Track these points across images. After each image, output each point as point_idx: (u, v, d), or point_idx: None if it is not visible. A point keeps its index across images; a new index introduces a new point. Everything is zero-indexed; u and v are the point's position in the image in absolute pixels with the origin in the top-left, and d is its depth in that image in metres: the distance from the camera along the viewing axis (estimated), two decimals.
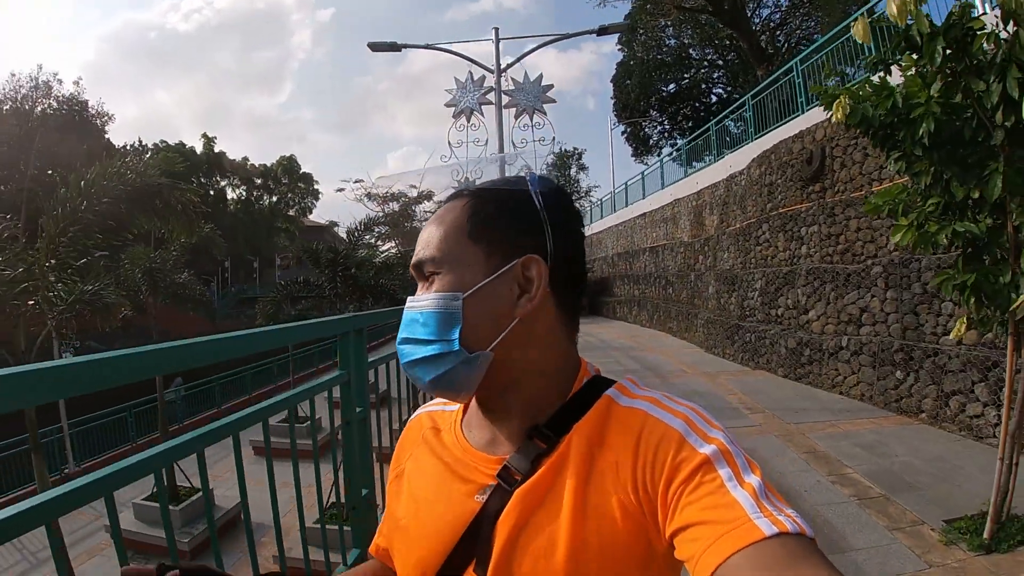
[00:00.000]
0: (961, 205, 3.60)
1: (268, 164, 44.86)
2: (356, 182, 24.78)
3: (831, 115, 3.91)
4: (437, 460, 0.80)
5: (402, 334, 0.75)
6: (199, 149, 38.16)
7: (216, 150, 38.73)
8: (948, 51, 3.38)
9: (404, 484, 0.84)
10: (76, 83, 35.58)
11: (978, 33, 3.33)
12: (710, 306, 13.34)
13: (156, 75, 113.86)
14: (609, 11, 30.71)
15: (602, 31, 11.39)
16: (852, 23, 3.82)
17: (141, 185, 8.20)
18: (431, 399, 0.92)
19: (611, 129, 34.64)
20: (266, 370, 19.02)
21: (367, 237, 16.10)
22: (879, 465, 5.16)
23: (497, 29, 11.04)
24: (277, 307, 12.08)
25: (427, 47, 11.37)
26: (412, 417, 0.94)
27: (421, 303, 0.73)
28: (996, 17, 3.49)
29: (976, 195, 3.47)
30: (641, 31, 27.23)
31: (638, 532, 0.63)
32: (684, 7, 23.04)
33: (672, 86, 30.50)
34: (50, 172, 30.54)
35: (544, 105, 11.02)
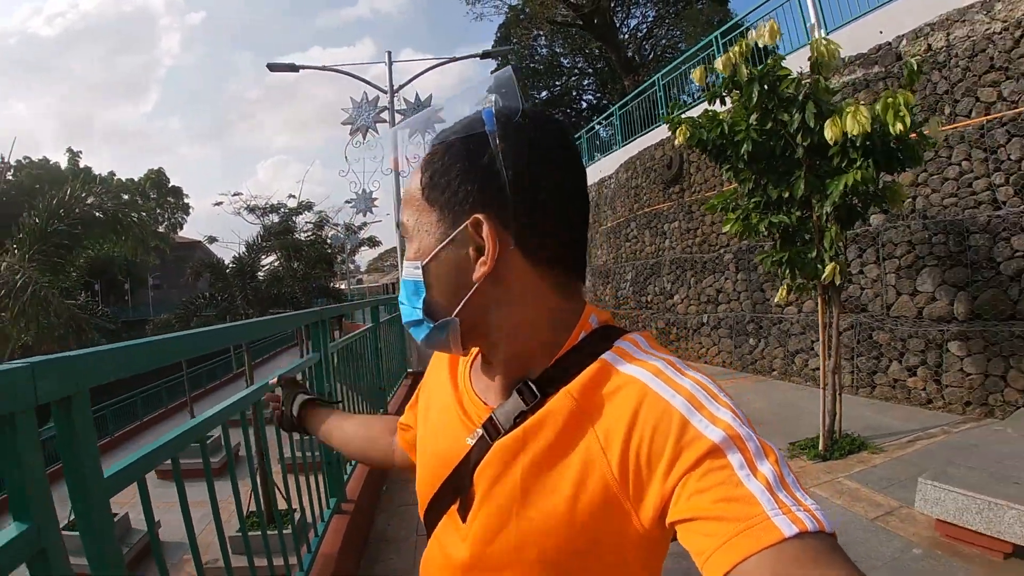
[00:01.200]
0: (776, 203, 4.82)
1: (135, 178, 42.63)
2: (235, 195, 24.28)
3: (675, 138, 5.07)
4: (447, 396, 0.80)
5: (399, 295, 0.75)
6: (64, 164, 35.76)
7: (82, 164, 36.26)
8: (763, 90, 4.56)
9: (420, 414, 0.89)
10: None
11: (784, 79, 4.53)
12: (588, 298, 14.61)
13: (15, 84, 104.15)
14: (482, 27, 31.96)
15: (485, 55, 12.41)
16: (693, 69, 5.01)
17: (97, 207, 8.36)
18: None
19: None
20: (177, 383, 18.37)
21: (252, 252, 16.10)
22: None
23: (390, 53, 11.75)
24: (185, 323, 11.98)
25: (324, 68, 11.81)
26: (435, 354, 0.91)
27: (404, 266, 0.73)
28: (800, 68, 4.75)
29: (787, 195, 4.69)
30: (515, 40, 28.61)
31: (614, 510, 0.61)
32: (556, 21, 24.61)
33: (544, 93, 32.09)
34: None
35: (434, 124, 11.86)
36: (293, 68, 11.69)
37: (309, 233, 24.57)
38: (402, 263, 0.75)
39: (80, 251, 8.27)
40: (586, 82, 32.06)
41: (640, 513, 0.59)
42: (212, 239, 25.14)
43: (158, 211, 42.80)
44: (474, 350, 0.81)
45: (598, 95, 30.88)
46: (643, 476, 0.58)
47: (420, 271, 0.69)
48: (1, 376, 0.74)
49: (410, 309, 0.72)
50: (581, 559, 0.63)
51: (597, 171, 15.05)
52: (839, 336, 4.98)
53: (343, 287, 29.40)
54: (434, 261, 0.68)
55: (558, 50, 31.09)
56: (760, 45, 4.59)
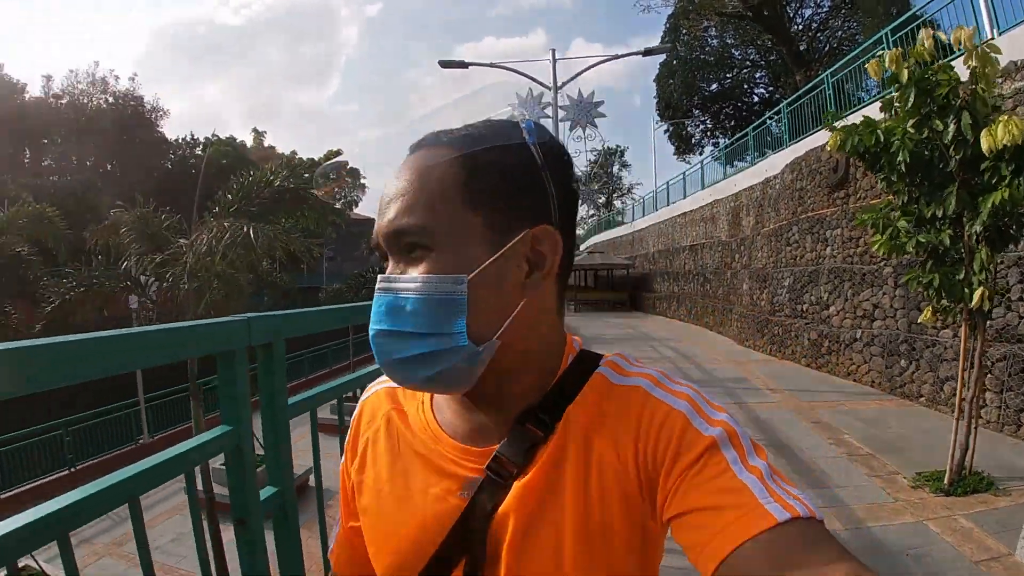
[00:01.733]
0: (928, 219, 4.54)
1: (316, 158, 45.87)
2: None
3: (828, 144, 4.90)
4: (407, 447, 0.71)
5: (378, 324, 0.62)
6: (249, 143, 39.69)
7: (266, 144, 40.52)
8: (919, 95, 4.30)
9: (367, 474, 0.74)
10: (131, 79, 37.44)
11: (940, 83, 4.27)
12: (744, 302, 14.17)
13: (206, 69, 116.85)
14: (653, 17, 31.56)
15: (648, 52, 12.41)
16: (869, 61, 4.78)
17: (281, 188, 9.81)
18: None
19: (653, 128, 35.27)
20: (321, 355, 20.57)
21: None
22: (872, 434, 6.13)
23: (554, 51, 12.24)
24: (355, 292, 13.40)
25: (491, 65, 12.51)
26: (366, 395, 0.82)
27: (408, 285, 0.60)
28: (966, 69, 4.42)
29: (940, 212, 4.41)
30: (684, 31, 27.84)
31: (635, 517, 0.61)
32: (724, 13, 23.68)
33: (715, 86, 31.00)
34: (110, 166, 32.79)
35: (594, 118, 12.20)
36: (463, 65, 12.50)
37: None
38: (401, 278, 0.62)
39: (268, 225, 9.54)
40: (758, 75, 30.56)
41: (653, 514, 0.60)
42: None
43: (336, 189, 45.84)
44: (421, 396, 0.74)
45: (770, 89, 29.33)
46: (652, 478, 0.59)
47: (465, 286, 0.59)
48: (229, 325, 1.22)
49: (422, 340, 0.60)
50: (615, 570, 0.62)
51: (763, 170, 14.42)
52: (982, 366, 4.61)
53: None
54: (480, 276, 0.60)
55: (729, 41, 29.93)
56: (944, 45, 4.32)
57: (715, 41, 29.90)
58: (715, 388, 8.63)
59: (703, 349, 12.95)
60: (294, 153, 45.14)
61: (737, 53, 30.36)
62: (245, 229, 8.49)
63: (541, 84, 12.49)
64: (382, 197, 0.64)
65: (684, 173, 22.68)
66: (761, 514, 0.51)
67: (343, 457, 0.81)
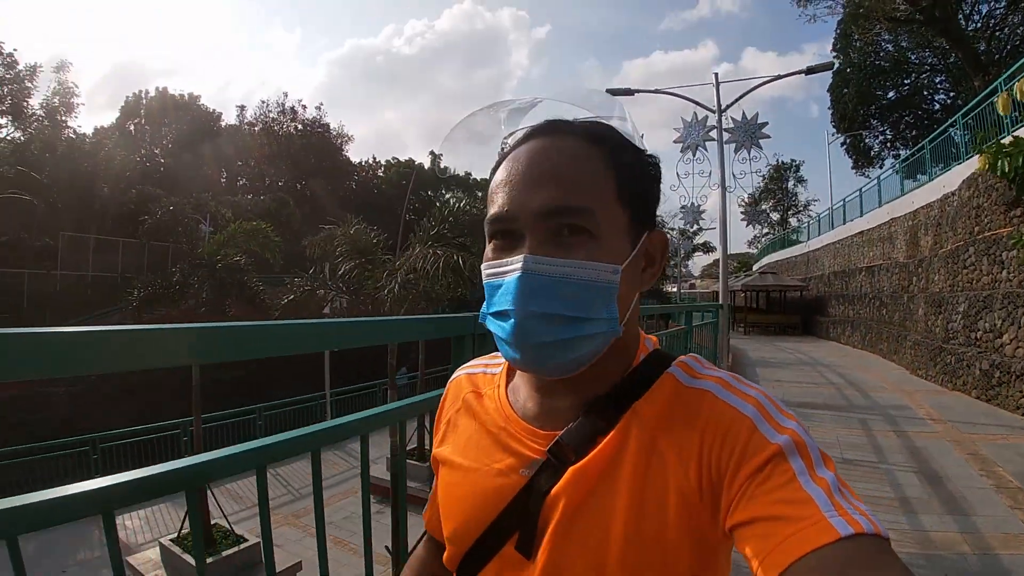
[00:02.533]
0: None
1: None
2: None
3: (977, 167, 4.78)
4: (480, 426, 0.77)
5: (530, 306, 0.62)
6: (427, 165, 42.33)
7: (441, 165, 43.85)
8: None
9: (447, 449, 0.81)
10: (318, 108, 42.06)
11: None
12: (918, 328, 13.37)
13: (384, 96, 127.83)
14: (820, 26, 30.30)
15: (811, 71, 12.51)
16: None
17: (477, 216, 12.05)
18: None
19: (828, 142, 33.43)
20: None
21: None
22: None
23: (717, 74, 12.86)
24: None
25: (656, 91, 13.49)
26: (452, 379, 0.90)
27: (571, 270, 0.62)
28: None
29: None
30: (855, 37, 26.41)
31: (693, 522, 0.61)
32: (894, 18, 22.30)
33: (892, 93, 28.96)
34: (299, 186, 36.97)
35: (759, 140, 12.61)
36: (629, 92, 13.48)
37: None
38: (558, 261, 0.63)
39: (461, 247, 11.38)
40: (938, 80, 27.98)
41: (714, 520, 0.60)
42: None
43: None
44: (499, 373, 0.81)
45: (951, 94, 26.71)
46: (715, 483, 0.59)
47: (619, 276, 0.64)
48: (463, 319, 1.81)
49: (577, 324, 0.63)
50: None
51: (941, 186, 13.63)
52: None
53: (672, 290, 29.98)
54: (627, 267, 0.65)
55: (904, 45, 27.79)
56: None
57: (889, 46, 27.94)
58: (875, 415, 8.53)
59: (871, 376, 12.45)
60: (468, 174, 48.57)
61: (914, 57, 28.11)
62: (455, 257, 10.70)
63: (705, 107, 13.00)
64: (522, 171, 0.65)
65: (860, 189, 21.64)
66: (824, 527, 0.50)
67: (434, 440, 0.87)
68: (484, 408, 0.78)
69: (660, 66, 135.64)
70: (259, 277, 16.85)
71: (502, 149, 0.72)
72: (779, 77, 13.41)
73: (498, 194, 0.67)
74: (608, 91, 13.32)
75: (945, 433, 7.42)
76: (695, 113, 13.06)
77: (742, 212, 14.00)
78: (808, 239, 29.39)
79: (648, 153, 0.70)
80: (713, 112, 12.89)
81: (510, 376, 0.80)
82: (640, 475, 0.63)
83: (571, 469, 0.66)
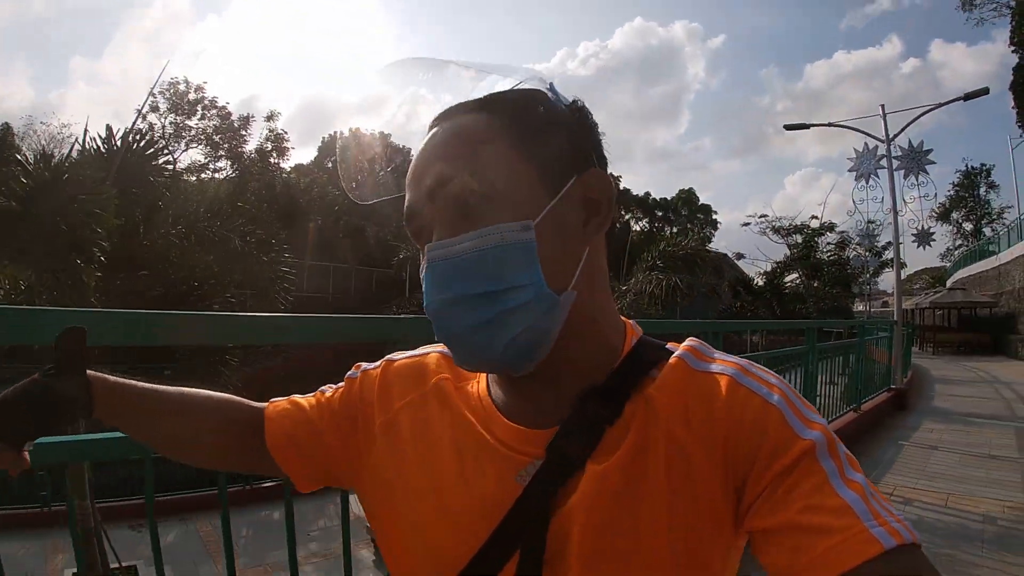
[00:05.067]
0: None
1: (668, 197, 49.46)
2: (761, 216, 28.70)
3: None
4: (463, 421, 0.64)
5: (440, 294, 0.57)
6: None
7: (621, 186, 44.66)
8: None
9: (387, 456, 0.67)
10: None
11: None
12: None
13: None
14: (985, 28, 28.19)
15: (967, 97, 12.79)
16: None
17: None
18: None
19: (1012, 146, 30.76)
20: None
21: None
22: None
23: (883, 106, 13.39)
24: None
25: (831, 125, 14.55)
26: (420, 352, 0.74)
27: (470, 243, 0.55)
28: None
29: None
30: None
31: (721, 526, 0.55)
32: None
33: None
34: None
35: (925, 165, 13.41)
36: (805, 127, 14.70)
37: (831, 253, 25.84)
38: (459, 238, 0.56)
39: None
40: None
41: (734, 516, 0.55)
42: (740, 255, 29.14)
43: (688, 226, 47.12)
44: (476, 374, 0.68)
45: None
46: (741, 477, 0.54)
47: (533, 232, 0.55)
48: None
49: (496, 298, 0.55)
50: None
51: None
52: None
53: (861, 308, 29.35)
54: (544, 222, 0.56)
55: None
56: None
57: None
58: None
59: None
60: (648, 195, 48.19)
61: None
62: (675, 279, 13.79)
63: (875, 138, 13.65)
64: (413, 166, 0.60)
65: None
66: (866, 539, 0.47)
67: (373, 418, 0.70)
68: (467, 401, 0.66)
69: (845, 67, 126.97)
70: None
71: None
72: (939, 105, 13.67)
73: (404, 199, 0.62)
74: (785, 127, 14.81)
75: None
76: (866, 143, 13.89)
77: (913, 235, 14.65)
78: (1000, 251, 27.39)
79: (569, 99, 0.63)
80: (882, 142, 13.62)
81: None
82: (673, 475, 0.55)
83: (591, 469, 0.56)
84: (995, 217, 44.24)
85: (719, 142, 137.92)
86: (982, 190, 44.97)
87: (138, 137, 9.57)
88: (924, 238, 14.38)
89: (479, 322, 0.55)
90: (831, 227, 26.13)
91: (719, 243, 47.85)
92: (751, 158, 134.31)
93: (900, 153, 13.59)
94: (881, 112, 13.73)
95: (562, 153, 0.60)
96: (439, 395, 0.67)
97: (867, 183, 14.02)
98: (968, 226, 45.53)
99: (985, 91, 12.81)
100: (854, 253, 26.71)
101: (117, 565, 5.89)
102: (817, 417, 0.56)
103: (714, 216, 51.14)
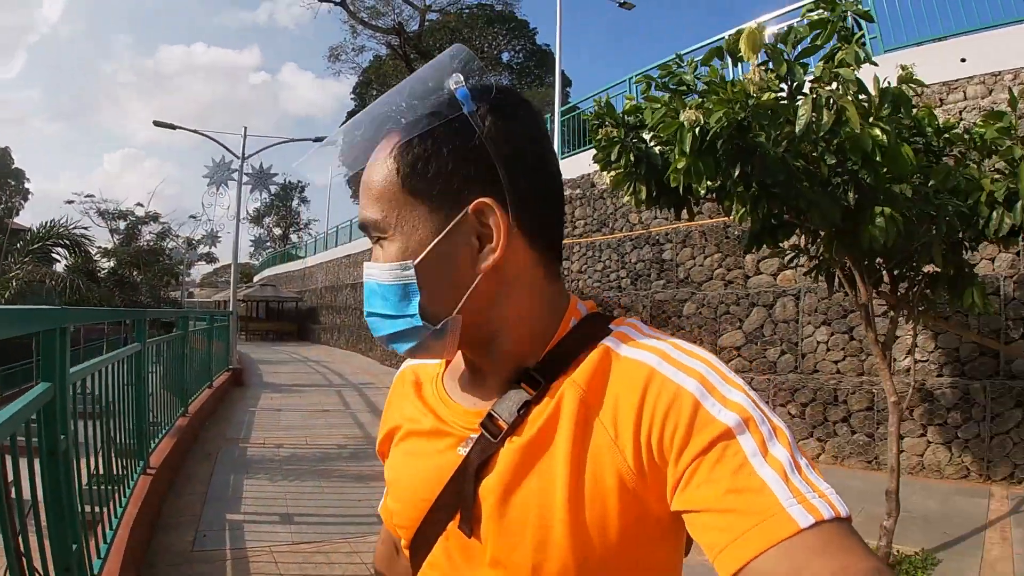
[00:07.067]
0: None
1: None
2: (87, 196, 25.99)
3: None
4: (421, 416, 0.76)
5: (365, 306, 0.68)
6: None
7: None
8: None
9: (394, 442, 0.80)
10: None
11: None
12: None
13: None
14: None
15: (318, 139, 16.56)
16: None
17: None
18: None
19: (332, 175, 37.83)
20: None
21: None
22: None
23: (245, 128, 15.92)
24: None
25: (198, 132, 15.93)
26: (398, 372, 0.88)
27: (373, 273, 0.66)
28: None
29: None
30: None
31: (632, 504, 0.59)
32: None
33: None
34: None
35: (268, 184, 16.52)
36: (173, 127, 15.80)
37: (152, 243, 25.74)
38: (371, 265, 0.67)
39: None
40: None
41: (658, 504, 0.58)
42: (85, 237, 25.57)
43: None
44: (440, 362, 0.79)
45: None
46: (657, 464, 0.57)
47: (412, 271, 0.63)
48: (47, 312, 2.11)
49: (392, 320, 0.65)
50: (607, 560, 0.60)
51: None
52: None
53: (175, 295, 29.85)
54: (428, 259, 0.63)
55: None
56: None
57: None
58: (349, 388, 12.36)
59: (350, 368, 16.70)
60: None
61: None
62: None
63: (232, 152, 16.04)
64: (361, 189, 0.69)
65: (352, 220, 24.37)
66: (783, 520, 0.48)
67: (379, 435, 0.85)
68: (423, 398, 0.77)
69: (200, 59, 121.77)
70: None
71: None
72: (293, 140, 17.72)
73: None
74: (155, 123, 15.96)
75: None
76: (223, 156, 16.35)
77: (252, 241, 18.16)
78: (306, 256, 33.38)
79: (473, 114, 0.62)
80: (238, 158, 16.07)
81: (447, 363, 0.79)
82: (576, 453, 0.61)
83: (507, 443, 0.64)
84: (303, 227, 53.31)
85: (49, 99, 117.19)
86: (295, 203, 53.70)
87: None
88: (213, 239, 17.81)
89: (385, 333, 0.67)
90: (156, 217, 26.92)
91: (28, 216, 41.46)
92: (77, 123, 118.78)
93: (251, 171, 16.38)
94: (243, 133, 16.29)
95: (450, 188, 0.62)
96: (409, 400, 0.79)
97: (216, 189, 16.43)
98: (278, 231, 53.57)
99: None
100: (172, 244, 28.05)
101: None
102: (737, 395, 0.57)
103: (26, 184, 44.32)
